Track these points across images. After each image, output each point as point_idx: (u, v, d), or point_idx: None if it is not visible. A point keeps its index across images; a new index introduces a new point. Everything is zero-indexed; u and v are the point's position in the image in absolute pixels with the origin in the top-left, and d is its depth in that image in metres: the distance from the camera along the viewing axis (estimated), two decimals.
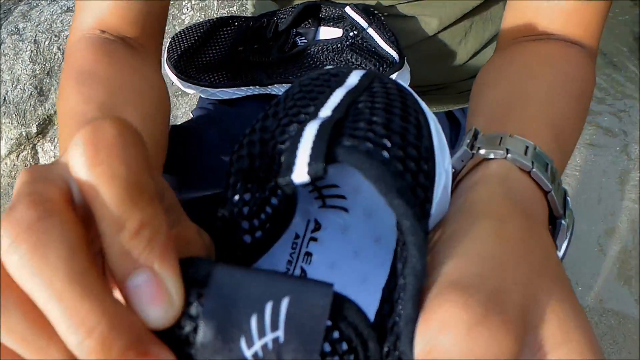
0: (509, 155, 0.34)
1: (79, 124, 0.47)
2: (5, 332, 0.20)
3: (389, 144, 0.23)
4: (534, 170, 0.33)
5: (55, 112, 1.62)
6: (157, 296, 0.20)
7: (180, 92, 1.15)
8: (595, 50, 0.53)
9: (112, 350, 0.19)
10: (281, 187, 0.25)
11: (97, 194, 0.20)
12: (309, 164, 0.22)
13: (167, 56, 0.75)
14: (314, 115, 0.25)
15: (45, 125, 1.62)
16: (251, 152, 0.26)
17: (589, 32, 0.52)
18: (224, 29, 0.76)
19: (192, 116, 0.80)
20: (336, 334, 0.21)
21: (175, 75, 0.74)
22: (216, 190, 0.65)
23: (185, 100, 1.11)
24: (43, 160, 1.58)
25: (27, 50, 1.71)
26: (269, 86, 0.73)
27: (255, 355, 0.20)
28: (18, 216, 0.20)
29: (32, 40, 1.73)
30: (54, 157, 1.58)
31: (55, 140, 1.60)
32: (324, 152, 0.22)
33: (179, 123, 0.76)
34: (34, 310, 0.20)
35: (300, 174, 0.22)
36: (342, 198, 0.30)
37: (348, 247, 0.29)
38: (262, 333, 0.20)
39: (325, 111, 0.25)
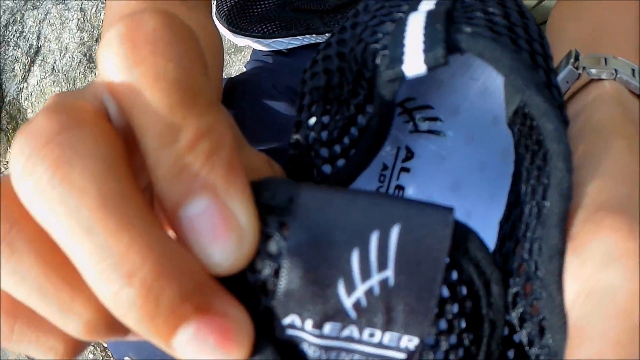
0: (618, 75, 0.31)
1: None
2: (13, 280, 0.15)
3: (514, 36, 0.18)
4: None
5: None
6: (222, 228, 0.15)
7: (233, 50, 1.11)
8: None
9: (160, 303, 0.14)
10: (377, 96, 0.20)
11: (138, 99, 0.15)
12: (425, 51, 0.16)
13: (217, 10, 0.71)
14: (412, 9, 0.20)
15: None
16: (328, 68, 0.21)
17: None
18: None
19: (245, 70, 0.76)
20: (454, 275, 0.16)
21: (227, 28, 0.70)
22: (271, 145, 0.61)
23: (239, 58, 1.07)
24: None
25: (73, 19, 1.70)
26: (326, 34, 0.69)
27: (356, 304, 0.15)
28: (36, 129, 0.15)
29: (79, 9, 1.72)
30: None
31: None
32: (443, 36, 0.16)
33: None
34: (54, 252, 0.15)
35: (413, 64, 0.17)
36: (437, 121, 0.25)
37: (446, 177, 0.24)
38: (366, 274, 0.15)
39: (427, 4, 0.20)
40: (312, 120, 0.21)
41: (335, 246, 0.15)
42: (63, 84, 1.60)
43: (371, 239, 0.15)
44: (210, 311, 0.15)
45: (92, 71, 1.61)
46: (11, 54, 1.68)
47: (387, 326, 0.16)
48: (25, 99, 1.62)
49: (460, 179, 0.24)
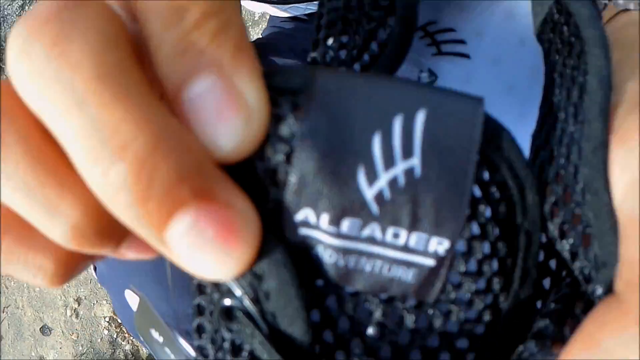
0: None
1: None
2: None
3: None
4: None
5: None
6: (229, 106, 0.13)
7: (250, 23, 1.10)
8: None
9: (154, 181, 0.13)
10: (399, 5, 0.18)
11: None
12: None
13: None
14: None
15: None
16: None
17: None
18: None
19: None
20: (486, 174, 0.15)
21: None
22: None
23: (257, 31, 1.07)
24: None
25: None
26: None
27: (379, 196, 0.14)
28: (34, 12, 0.14)
29: None
30: None
31: None
32: None
33: None
34: (45, 147, 0.14)
35: None
36: (461, 43, 0.22)
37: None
38: (389, 161, 0.13)
39: None
40: (330, 40, 0.20)
41: (356, 130, 0.14)
42: None
43: (394, 123, 0.13)
44: (211, 198, 0.13)
45: None
46: None
47: (413, 225, 0.14)
48: None
49: (486, 100, 0.22)
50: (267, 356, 0.14)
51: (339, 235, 0.14)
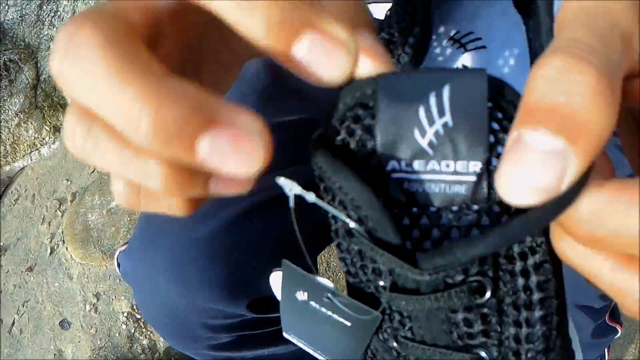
0: None
1: None
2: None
3: None
4: None
5: None
6: (332, 46, 0.19)
7: None
8: None
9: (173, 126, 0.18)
10: None
11: None
12: None
13: None
14: None
15: None
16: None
17: None
18: None
19: None
20: (499, 114, 0.21)
21: None
22: (301, 115, 0.62)
23: None
24: None
25: None
26: None
27: (430, 143, 0.21)
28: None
29: None
30: None
31: None
32: None
33: None
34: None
35: None
36: (479, 40, 0.32)
37: (493, 72, 0.27)
38: (431, 121, 0.21)
39: None
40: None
41: (407, 108, 0.21)
42: None
43: (430, 98, 0.21)
44: (215, 120, 0.18)
45: None
46: (46, 33, 1.71)
47: (456, 156, 0.21)
48: None
49: (502, 71, 0.33)
50: (377, 256, 0.23)
51: (413, 171, 0.22)
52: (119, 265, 0.67)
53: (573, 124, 0.17)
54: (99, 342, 1.29)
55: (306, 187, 0.24)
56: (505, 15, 0.31)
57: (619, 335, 0.86)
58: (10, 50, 1.69)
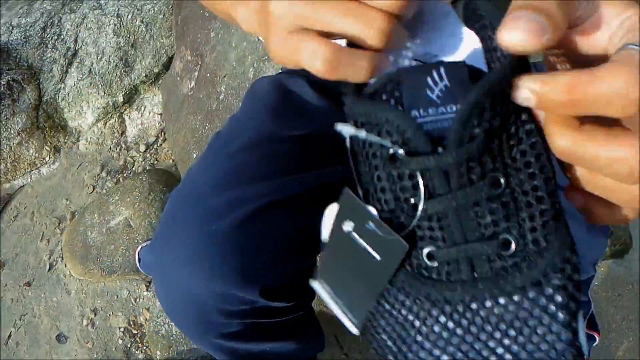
0: None
1: None
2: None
3: None
4: None
5: (141, 82, 1.69)
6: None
7: (267, 56, 1.20)
8: None
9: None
10: None
11: None
12: None
13: None
14: None
15: (132, 95, 1.70)
16: None
17: None
18: None
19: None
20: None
21: None
22: (305, 131, 0.70)
23: (272, 64, 1.17)
24: (130, 128, 1.66)
25: (110, 24, 1.78)
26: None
27: (437, 96, 0.33)
28: None
29: (115, 15, 1.80)
30: (141, 124, 1.65)
31: (142, 108, 1.68)
32: None
33: None
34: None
35: None
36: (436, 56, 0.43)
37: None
38: (436, 84, 0.33)
39: None
40: None
41: (421, 78, 0.34)
42: (100, 86, 1.69)
43: (434, 73, 0.33)
44: None
45: (127, 75, 1.70)
46: (49, 55, 1.77)
47: (454, 102, 0.33)
48: (62, 99, 1.71)
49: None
50: (415, 164, 0.33)
51: (428, 114, 0.33)
52: (139, 259, 0.73)
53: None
54: (95, 356, 1.34)
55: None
56: (454, 37, 0.41)
57: (596, 343, 0.93)
58: (14, 71, 1.75)
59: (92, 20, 1.82)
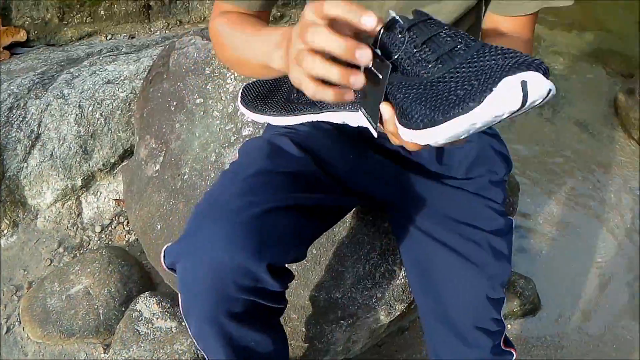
0: None
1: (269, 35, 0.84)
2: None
3: None
4: None
5: (98, 169, 1.93)
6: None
7: (227, 144, 1.49)
8: (530, 37, 1.01)
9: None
10: None
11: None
12: None
13: (242, 100, 1.09)
14: None
15: (89, 180, 1.93)
16: None
17: (526, 34, 0.99)
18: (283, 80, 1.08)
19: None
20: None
21: (252, 112, 1.07)
22: (293, 169, 1.00)
23: (231, 151, 1.47)
24: (87, 210, 1.88)
25: (72, 114, 2.01)
26: (321, 113, 1.00)
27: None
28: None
29: (77, 105, 2.03)
30: (97, 208, 1.88)
31: (99, 193, 1.90)
32: None
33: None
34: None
35: None
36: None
37: None
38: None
39: None
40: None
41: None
42: (60, 169, 1.91)
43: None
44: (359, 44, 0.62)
45: (86, 162, 1.93)
46: (14, 134, 1.96)
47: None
48: (24, 177, 1.90)
49: None
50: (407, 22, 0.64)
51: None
52: (164, 257, 0.96)
53: None
54: None
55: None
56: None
57: (514, 358, 1.08)
58: None
59: (56, 108, 2.03)
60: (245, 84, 1.14)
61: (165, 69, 1.80)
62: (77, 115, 2.01)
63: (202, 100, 1.63)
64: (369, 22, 0.61)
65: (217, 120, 1.57)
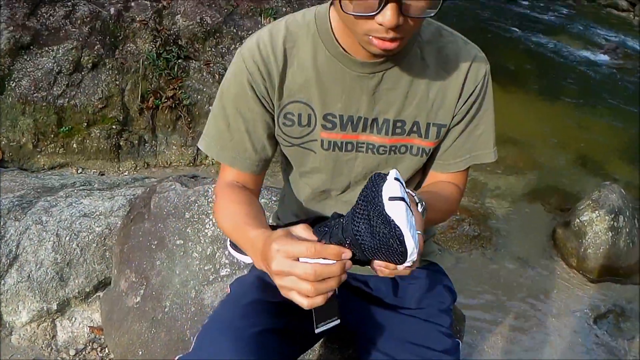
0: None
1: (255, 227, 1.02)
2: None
3: None
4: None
5: (73, 296, 2.11)
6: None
7: (205, 282, 1.73)
8: (464, 183, 1.31)
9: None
10: None
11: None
12: None
13: (232, 245, 1.34)
14: None
15: (65, 306, 2.09)
16: None
17: (459, 182, 1.29)
18: None
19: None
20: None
21: (240, 254, 1.34)
22: (279, 300, 1.06)
23: (211, 288, 1.69)
24: (61, 334, 2.02)
25: (50, 241, 2.19)
26: None
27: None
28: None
29: (55, 233, 2.22)
30: (72, 332, 2.03)
31: (74, 319, 2.06)
32: None
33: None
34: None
35: None
36: None
37: None
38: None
39: None
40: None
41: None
42: (37, 292, 2.07)
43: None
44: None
45: (62, 288, 2.10)
46: None
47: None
48: (1, 294, 2.05)
49: None
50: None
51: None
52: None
53: None
54: None
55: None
56: None
57: None
58: None
59: (34, 233, 2.20)
60: None
61: (146, 210, 2.07)
62: (54, 242, 2.20)
63: (182, 242, 1.90)
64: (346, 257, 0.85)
65: (196, 261, 1.84)
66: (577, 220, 3.29)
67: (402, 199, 0.79)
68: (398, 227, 0.78)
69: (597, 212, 3.25)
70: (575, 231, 3.26)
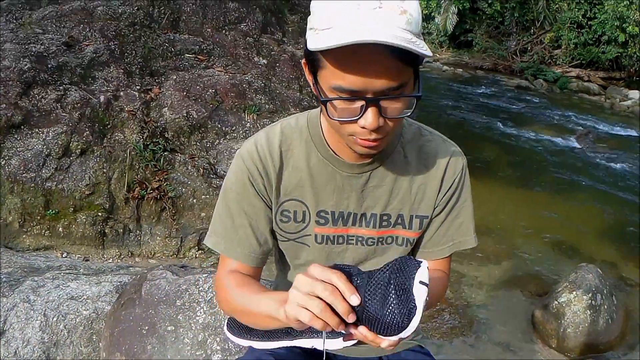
0: None
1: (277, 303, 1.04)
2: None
3: None
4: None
5: None
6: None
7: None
8: (448, 268, 1.38)
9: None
10: None
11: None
12: None
13: (229, 329, 1.42)
14: None
15: None
16: None
17: (445, 268, 1.36)
18: None
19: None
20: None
21: (237, 337, 1.41)
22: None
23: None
24: None
25: (37, 320, 2.27)
26: (294, 340, 1.25)
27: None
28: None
29: (42, 313, 2.30)
30: None
31: None
32: None
33: None
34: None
35: None
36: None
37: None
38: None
39: None
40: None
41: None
42: None
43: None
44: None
45: None
46: None
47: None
48: None
49: None
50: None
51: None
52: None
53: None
54: None
55: None
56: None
57: None
58: None
59: (22, 311, 2.27)
60: (228, 317, 1.54)
61: (137, 296, 2.19)
62: (42, 322, 2.27)
63: (174, 328, 2.02)
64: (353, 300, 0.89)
65: (187, 347, 1.95)
66: (555, 302, 3.33)
67: (427, 285, 0.89)
68: (415, 306, 0.88)
69: (574, 292, 3.31)
70: (554, 312, 3.32)
